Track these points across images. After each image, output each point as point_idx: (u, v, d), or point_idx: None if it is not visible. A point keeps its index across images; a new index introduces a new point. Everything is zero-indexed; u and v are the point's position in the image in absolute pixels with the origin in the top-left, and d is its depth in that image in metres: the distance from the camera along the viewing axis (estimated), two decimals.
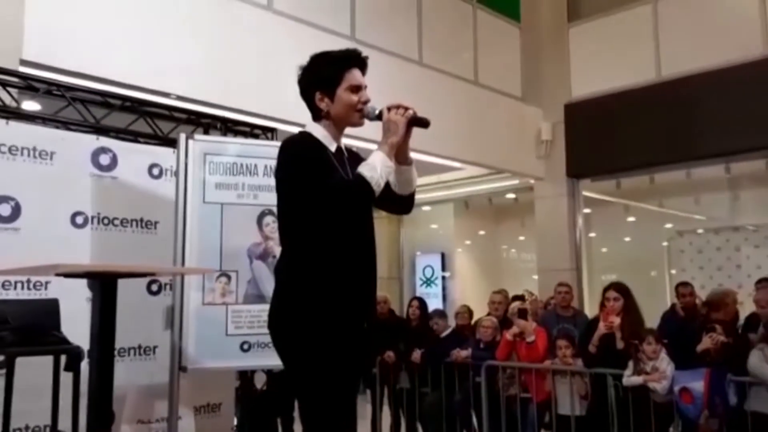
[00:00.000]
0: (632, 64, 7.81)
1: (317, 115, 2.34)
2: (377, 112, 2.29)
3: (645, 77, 7.68)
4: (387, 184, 2.29)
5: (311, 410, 2.20)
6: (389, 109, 2.26)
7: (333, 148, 2.33)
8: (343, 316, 2.22)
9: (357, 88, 2.29)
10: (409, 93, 6.86)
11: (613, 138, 7.82)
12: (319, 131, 2.33)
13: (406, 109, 2.26)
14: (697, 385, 4.09)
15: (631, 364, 4.41)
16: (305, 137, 2.32)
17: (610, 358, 4.53)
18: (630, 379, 4.38)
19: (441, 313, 6.16)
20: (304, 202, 2.19)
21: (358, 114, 2.29)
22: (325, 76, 2.29)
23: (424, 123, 2.25)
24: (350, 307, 2.25)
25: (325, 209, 2.16)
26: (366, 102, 2.30)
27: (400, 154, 2.30)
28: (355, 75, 2.29)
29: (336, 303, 2.21)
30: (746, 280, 7.67)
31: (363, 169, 2.18)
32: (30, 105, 4.38)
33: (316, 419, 2.19)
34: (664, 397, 4.29)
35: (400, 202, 2.45)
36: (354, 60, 2.30)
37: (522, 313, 5.19)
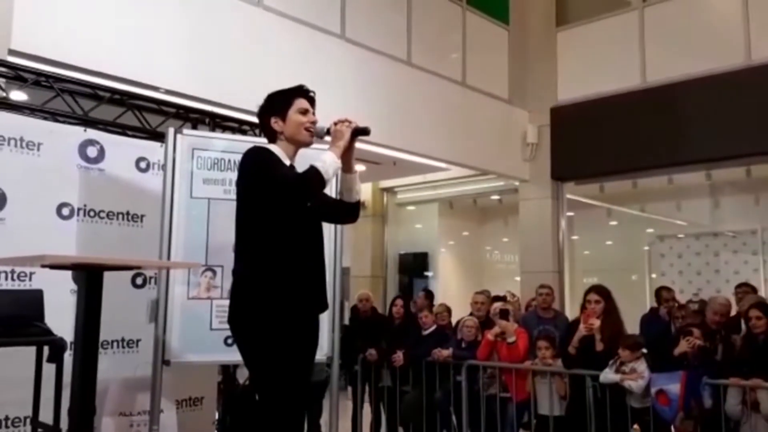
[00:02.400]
0: (618, 69, 7.90)
1: (273, 138, 2.69)
2: (326, 129, 2.65)
3: (630, 83, 7.78)
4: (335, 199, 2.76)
5: (266, 396, 2.48)
6: (336, 123, 2.63)
7: (287, 163, 2.65)
8: (295, 308, 2.51)
9: (305, 111, 2.67)
10: (397, 92, 6.88)
11: (597, 142, 7.91)
12: (276, 150, 2.66)
13: (350, 122, 2.63)
14: (674, 387, 4.16)
15: (611, 363, 4.47)
16: (269, 151, 2.63)
17: (589, 359, 4.60)
18: (607, 375, 4.44)
19: (429, 307, 6.21)
20: (261, 199, 2.49)
21: (307, 133, 2.65)
22: (278, 103, 2.69)
23: (365, 132, 2.64)
24: (302, 300, 2.55)
25: (283, 198, 2.49)
26: (314, 123, 2.67)
27: (345, 163, 2.66)
28: (303, 102, 2.68)
29: (288, 297, 2.49)
30: (724, 285, 7.81)
31: (314, 163, 2.52)
32: (17, 95, 4.36)
33: (270, 401, 2.46)
34: (641, 403, 4.36)
35: (346, 210, 2.82)
36: (302, 92, 2.70)
37: (503, 314, 5.25)
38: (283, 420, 2.43)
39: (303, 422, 2.64)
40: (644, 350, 4.49)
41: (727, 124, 6.95)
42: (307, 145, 2.71)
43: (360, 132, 2.64)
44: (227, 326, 3.94)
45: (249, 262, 2.54)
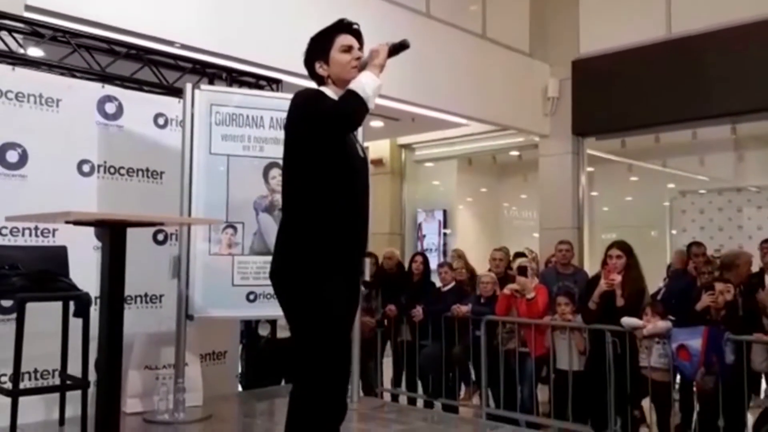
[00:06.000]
0: (642, 20, 7.67)
1: (321, 83, 2.50)
2: (365, 60, 2.43)
3: (655, 34, 7.55)
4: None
5: (312, 357, 2.31)
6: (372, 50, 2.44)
7: None
8: (342, 266, 2.35)
9: (348, 48, 2.45)
10: (416, 45, 6.72)
11: (619, 96, 7.74)
12: (326, 90, 2.46)
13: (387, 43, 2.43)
14: (695, 342, 4.14)
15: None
16: (318, 92, 2.44)
17: (609, 315, 4.59)
18: (629, 320, 4.44)
19: (449, 265, 6.22)
20: (310, 144, 2.31)
21: (354, 70, 2.42)
22: (319, 45, 2.48)
23: (404, 45, 2.43)
24: (349, 258, 2.39)
25: (327, 132, 2.30)
26: (359, 59, 2.45)
27: None
28: (345, 38, 2.46)
29: (337, 254, 2.33)
30: (747, 241, 7.72)
31: (351, 85, 2.33)
32: (34, 52, 4.33)
33: (315, 365, 2.30)
34: (660, 372, 4.37)
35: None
36: (343, 27, 2.48)
37: (522, 270, 5.23)
38: (327, 378, 2.29)
39: (347, 380, 2.48)
40: (671, 317, 4.48)
41: (754, 76, 6.76)
42: None
43: (398, 48, 2.42)
44: (249, 282, 4.07)
45: (296, 215, 2.36)
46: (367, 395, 5.46)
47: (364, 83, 2.30)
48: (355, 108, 2.28)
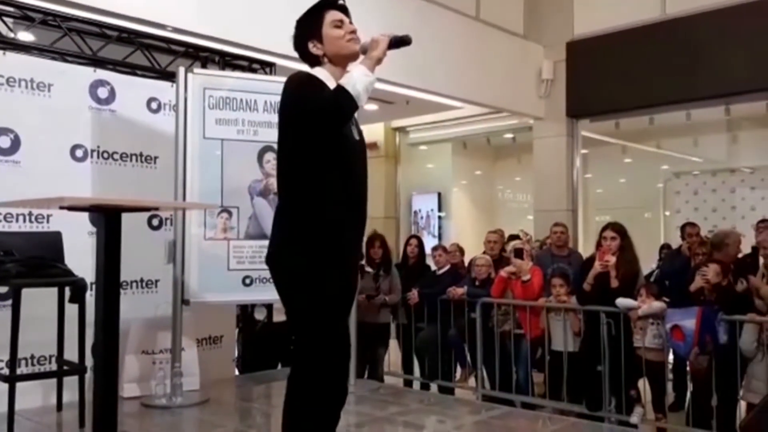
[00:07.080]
0: (637, 1, 7.63)
1: (317, 63, 2.44)
2: (366, 42, 2.37)
3: (649, 15, 7.52)
4: None
5: (308, 341, 2.29)
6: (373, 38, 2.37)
7: (333, 86, 2.36)
8: (339, 250, 2.32)
9: (340, 22, 2.40)
10: (409, 28, 6.66)
11: (614, 77, 7.71)
12: (321, 73, 2.40)
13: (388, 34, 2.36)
14: (689, 323, 4.16)
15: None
16: (310, 76, 2.39)
17: (604, 296, 4.61)
18: (623, 301, 4.46)
19: (443, 248, 6.24)
20: (302, 131, 2.27)
21: (351, 43, 2.38)
22: (308, 25, 2.42)
23: (405, 40, 2.34)
24: (345, 242, 2.35)
25: (318, 128, 2.26)
26: (353, 31, 2.40)
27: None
28: (334, 13, 2.41)
29: (335, 240, 2.30)
30: (740, 222, 7.76)
31: (340, 81, 2.26)
32: (24, 36, 4.29)
33: (311, 349, 2.29)
34: (654, 352, 4.41)
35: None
36: (329, 3, 2.43)
37: (518, 253, 5.25)
38: (323, 362, 2.26)
39: (347, 364, 2.41)
40: (665, 298, 4.50)
41: (748, 57, 6.74)
42: (354, 57, 2.38)
43: (399, 42, 2.33)
44: (245, 267, 4.07)
45: (291, 199, 2.33)
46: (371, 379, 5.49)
47: (356, 79, 2.22)
48: (343, 106, 2.21)
